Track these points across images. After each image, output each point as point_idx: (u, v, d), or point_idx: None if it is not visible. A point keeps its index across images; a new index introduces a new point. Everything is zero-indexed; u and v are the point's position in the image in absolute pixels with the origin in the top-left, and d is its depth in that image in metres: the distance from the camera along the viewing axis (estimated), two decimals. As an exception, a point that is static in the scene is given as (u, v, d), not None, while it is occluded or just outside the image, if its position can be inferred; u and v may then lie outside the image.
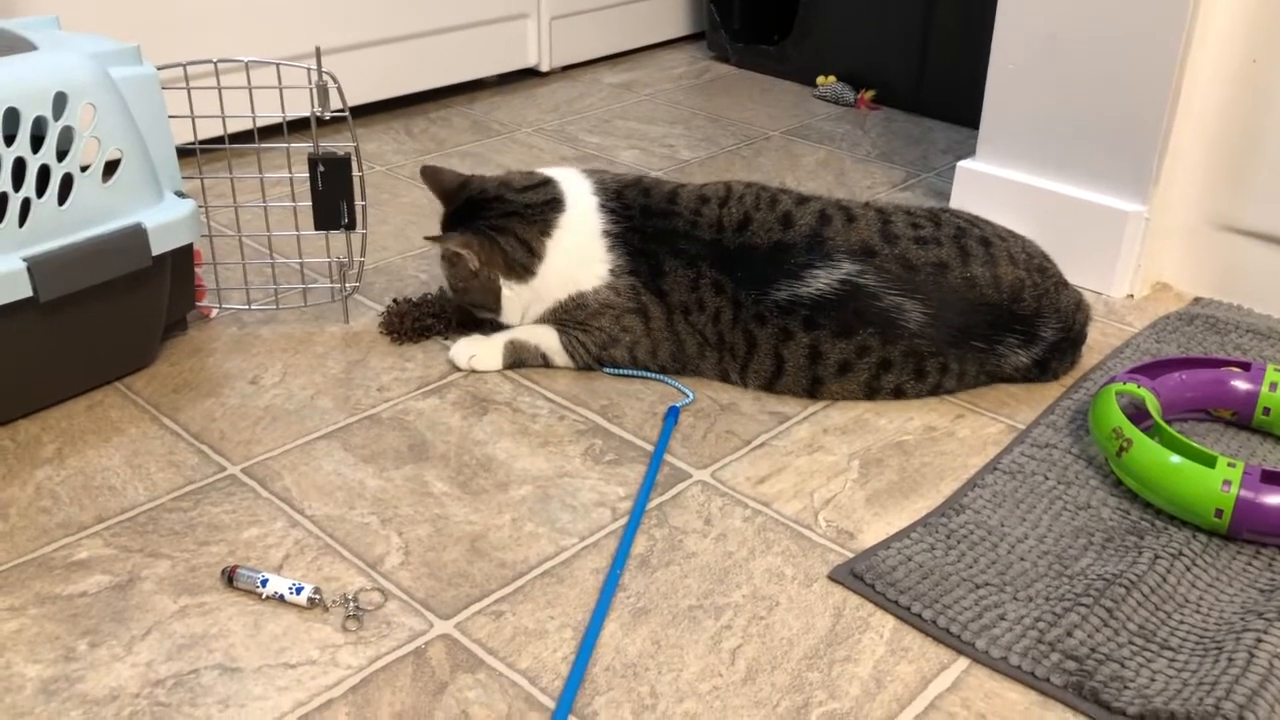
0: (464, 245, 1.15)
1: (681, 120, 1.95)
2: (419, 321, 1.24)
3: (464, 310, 1.24)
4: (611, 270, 1.15)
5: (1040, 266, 1.14)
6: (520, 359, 1.19)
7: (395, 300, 1.27)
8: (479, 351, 1.19)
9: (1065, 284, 1.15)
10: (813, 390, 1.14)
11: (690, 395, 1.15)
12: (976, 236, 1.13)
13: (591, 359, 1.18)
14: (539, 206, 1.16)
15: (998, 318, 1.11)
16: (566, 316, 1.17)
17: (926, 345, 1.10)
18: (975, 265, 1.11)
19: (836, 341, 1.10)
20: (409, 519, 0.97)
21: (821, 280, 1.09)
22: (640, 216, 1.16)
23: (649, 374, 1.18)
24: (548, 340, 1.19)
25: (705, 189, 1.19)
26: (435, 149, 1.81)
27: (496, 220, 1.16)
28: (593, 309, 1.15)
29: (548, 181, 1.19)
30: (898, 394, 1.14)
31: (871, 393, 1.13)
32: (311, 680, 0.80)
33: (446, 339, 1.23)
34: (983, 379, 1.15)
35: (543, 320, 1.19)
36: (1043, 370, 1.16)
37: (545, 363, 1.19)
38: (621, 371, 1.18)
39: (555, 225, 1.15)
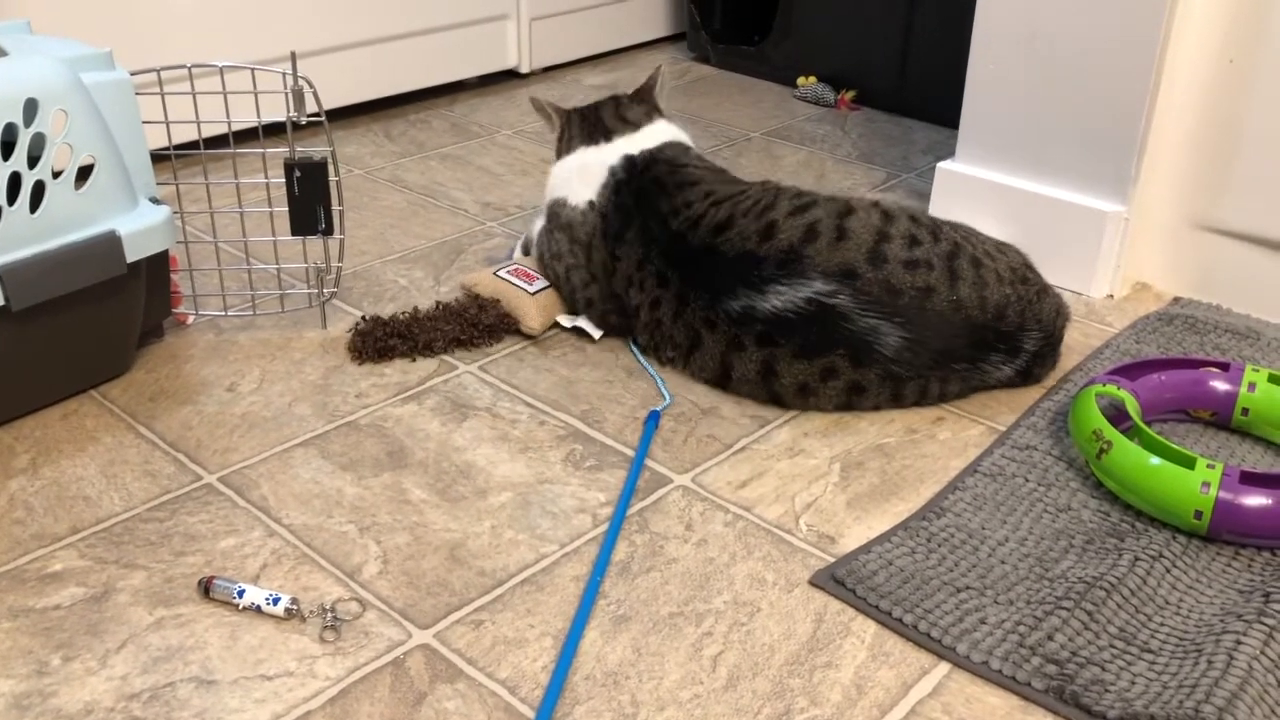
0: (556, 110, 1.33)
1: (662, 121, 1.94)
2: (381, 342, 1.21)
3: (439, 330, 1.22)
4: (591, 201, 1.22)
5: (1024, 277, 1.13)
6: (525, 243, 1.36)
7: (364, 317, 1.25)
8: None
9: (1047, 289, 1.15)
10: (776, 402, 1.13)
11: (669, 398, 1.14)
12: (969, 256, 1.10)
13: (546, 258, 1.26)
14: (618, 119, 1.30)
15: (982, 338, 1.10)
16: (552, 215, 1.26)
17: (904, 370, 1.08)
18: (963, 288, 1.08)
19: (794, 362, 1.08)
20: (387, 527, 0.96)
21: (784, 298, 1.06)
22: (648, 172, 1.21)
23: (589, 332, 1.24)
24: (536, 227, 1.31)
25: (730, 183, 1.21)
26: (415, 151, 1.80)
27: (592, 110, 1.32)
28: (562, 220, 1.24)
29: (637, 120, 1.29)
30: (876, 409, 1.13)
31: (845, 409, 1.13)
32: (289, 692, 0.80)
33: (413, 361, 1.21)
34: (965, 393, 1.15)
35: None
36: (1025, 377, 1.16)
37: (525, 249, 1.34)
38: (570, 323, 1.26)
39: (598, 141, 1.27)
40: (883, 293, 1.06)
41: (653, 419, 1.10)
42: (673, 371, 1.19)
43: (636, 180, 1.20)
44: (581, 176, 1.24)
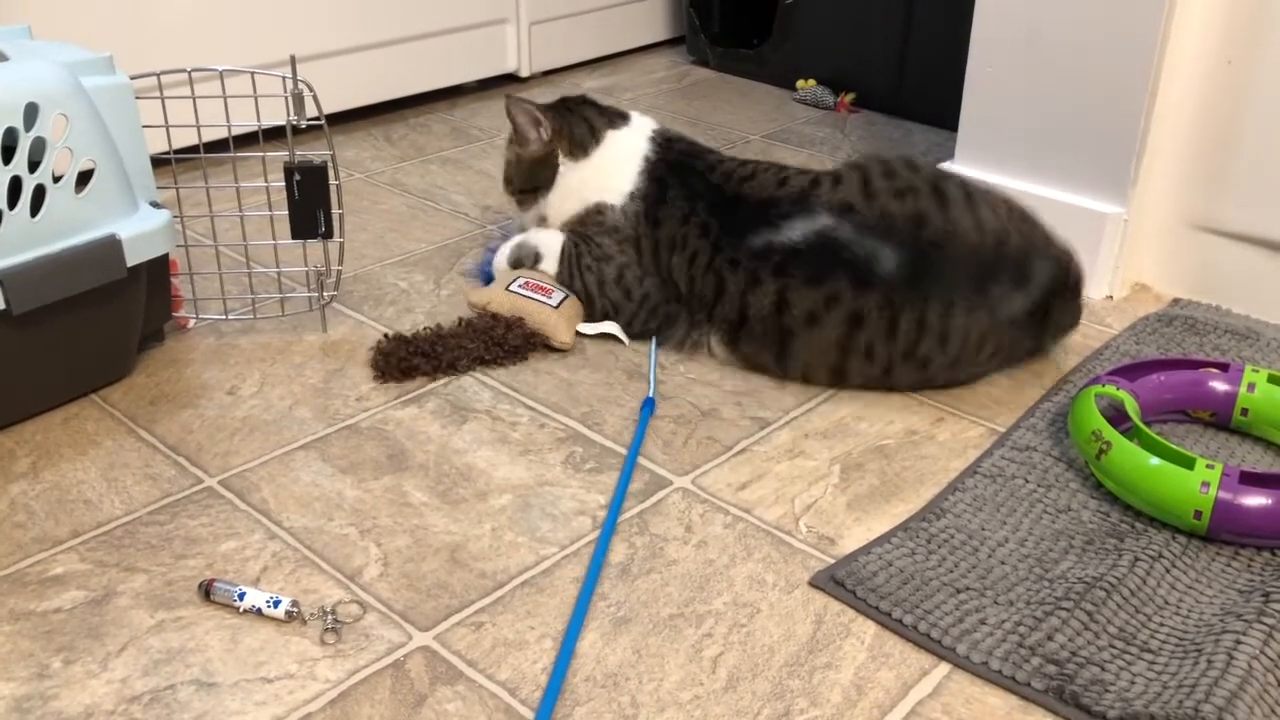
0: (544, 113, 1.30)
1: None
2: (405, 361, 1.18)
3: (463, 349, 1.20)
4: (631, 193, 1.24)
5: (1023, 217, 1.15)
6: (519, 257, 1.30)
7: (386, 335, 1.21)
8: (502, 250, 1.32)
9: (1053, 237, 1.16)
10: (781, 355, 1.15)
11: (653, 386, 1.16)
12: (957, 183, 1.15)
13: (578, 269, 1.25)
14: (611, 112, 1.33)
15: (982, 261, 1.10)
16: (580, 226, 1.27)
17: (902, 295, 1.09)
18: (955, 209, 1.11)
19: (804, 289, 1.11)
20: (388, 530, 0.96)
21: (798, 231, 1.13)
22: (672, 150, 1.27)
23: (618, 337, 1.24)
24: (551, 242, 1.28)
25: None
26: (415, 155, 1.80)
27: (574, 106, 1.34)
28: (606, 225, 1.25)
29: (625, 113, 1.34)
30: (869, 355, 1.12)
31: (844, 354, 1.13)
32: (289, 694, 0.80)
33: (434, 380, 1.18)
34: (971, 344, 1.11)
35: (562, 226, 1.29)
36: (1043, 321, 1.13)
37: (535, 262, 1.28)
38: (592, 330, 1.25)
39: (618, 126, 1.30)
40: (879, 220, 1.12)
41: (647, 407, 1.11)
42: (681, 365, 1.19)
43: (669, 154, 1.26)
44: (616, 170, 1.26)
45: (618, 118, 1.32)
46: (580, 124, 1.30)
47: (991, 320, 1.11)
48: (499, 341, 1.21)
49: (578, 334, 1.25)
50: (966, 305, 1.09)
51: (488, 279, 1.34)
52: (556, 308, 1.23)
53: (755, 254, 1.14)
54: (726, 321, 1.18)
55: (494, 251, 1.35)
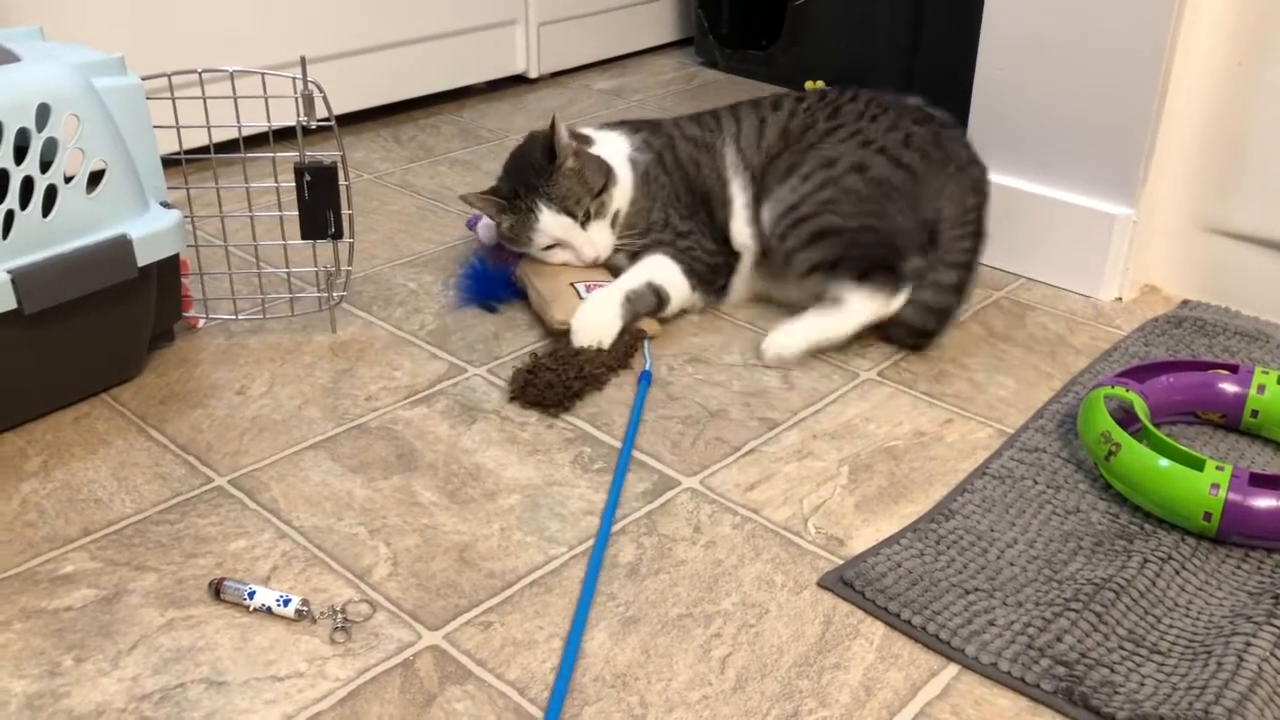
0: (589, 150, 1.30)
1: (670, 126, 1.95)
2: (568, 388, 1.13)
3: (601, 364, 1.18)
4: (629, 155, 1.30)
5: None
6: (638, 310, 1.23)
7: (523, 366, 1.16)
8: (593, 320, 1.20)
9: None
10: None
11: (649, 360, 1.20)
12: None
13: (693, 269, 1.27)
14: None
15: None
16: (645, 227, 1.28)
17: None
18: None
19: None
20: (397, 529, 0.96)
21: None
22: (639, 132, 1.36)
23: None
24: (659, 270, 1.25)
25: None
26: (424, 156, 1.81)
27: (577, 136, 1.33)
28: (653, 188, 1.29)
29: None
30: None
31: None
32: (299, 693, 0.80)
33: (592, 393, 1.15)
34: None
35: (634, 251, 1.29)
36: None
37: (659, 303, 1.24)
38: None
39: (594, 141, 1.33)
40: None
41: (645, 380, 1.15)
42: (689, 365, 1.19)
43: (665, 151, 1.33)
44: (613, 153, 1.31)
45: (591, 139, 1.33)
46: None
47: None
48: (626, 351, 1.21)
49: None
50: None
51: (477, 293, 1.32)
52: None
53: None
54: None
55: (475, 270, 1.33)
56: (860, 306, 1.19)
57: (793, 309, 1.25)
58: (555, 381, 1.13)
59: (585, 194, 1.25)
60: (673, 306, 1.26)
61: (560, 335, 1.22)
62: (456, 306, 1.32)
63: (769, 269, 1.29)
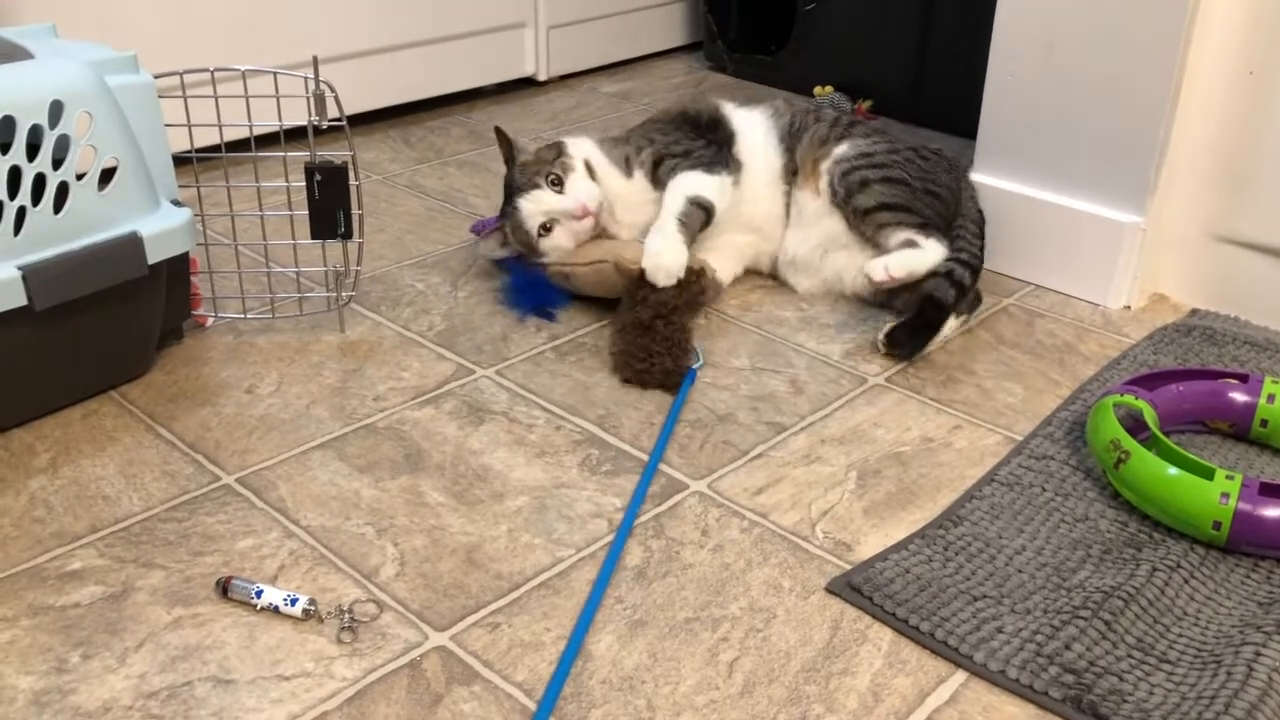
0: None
1: (679, 130, 1.95)
2: (676, 360, 1.18)
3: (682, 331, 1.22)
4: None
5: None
6: (691, 229, 1.27)
7: (622, 350, 1.20)
8: (664, 257, 1.24)
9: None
10: None
11: (700, 359, 1.22)
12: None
13: (695, 160, 1.33)
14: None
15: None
16: (645, 159, 1.35)
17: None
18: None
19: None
20: (405, 529, 0.96)
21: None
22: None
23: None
24: (685, 185, 1.30)
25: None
26: (433, 158, 1.81)
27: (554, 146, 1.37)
28: (621, 137, 1.38)
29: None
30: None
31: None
32: (306, 693, 0.80)
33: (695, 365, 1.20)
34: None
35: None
36: None
37: (707, 214, 1.29)
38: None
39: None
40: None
41: (690, 376, 1.17)
42: (697, 368, 1.19)
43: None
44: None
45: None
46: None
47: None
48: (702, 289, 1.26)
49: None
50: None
51: (533, 302, 1.34)
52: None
53: None
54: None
55: (520, 281, 1.35)
56: (934, 248, 1.27)
57: (794, 304, 1.24)
58: (664, 354, 1.18)
59: (544, 164, 1.30)
60: (720, 206, 1.31)
61: (633, 286, 1.24)
62: (517, 320, 1.32)
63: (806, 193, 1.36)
